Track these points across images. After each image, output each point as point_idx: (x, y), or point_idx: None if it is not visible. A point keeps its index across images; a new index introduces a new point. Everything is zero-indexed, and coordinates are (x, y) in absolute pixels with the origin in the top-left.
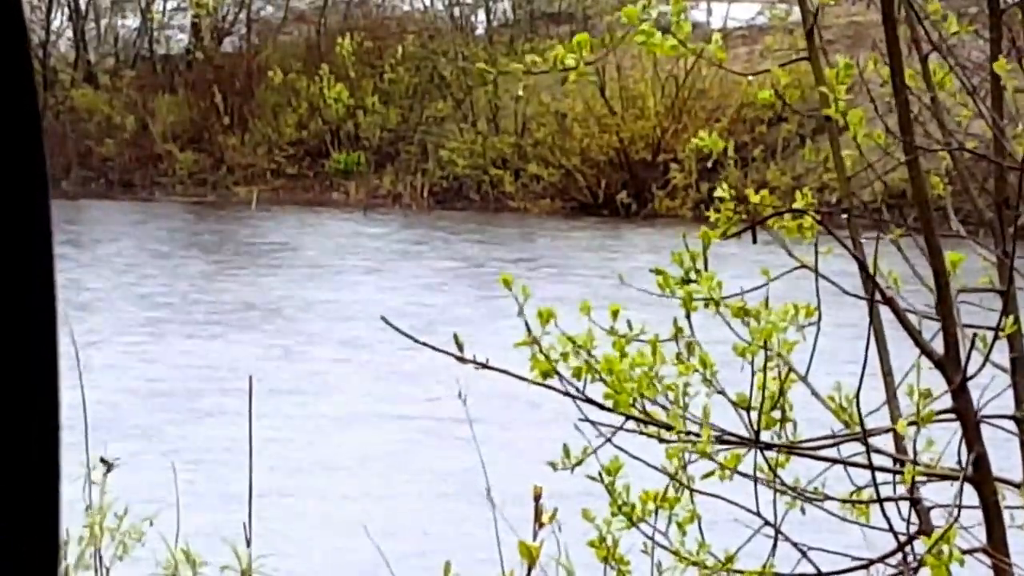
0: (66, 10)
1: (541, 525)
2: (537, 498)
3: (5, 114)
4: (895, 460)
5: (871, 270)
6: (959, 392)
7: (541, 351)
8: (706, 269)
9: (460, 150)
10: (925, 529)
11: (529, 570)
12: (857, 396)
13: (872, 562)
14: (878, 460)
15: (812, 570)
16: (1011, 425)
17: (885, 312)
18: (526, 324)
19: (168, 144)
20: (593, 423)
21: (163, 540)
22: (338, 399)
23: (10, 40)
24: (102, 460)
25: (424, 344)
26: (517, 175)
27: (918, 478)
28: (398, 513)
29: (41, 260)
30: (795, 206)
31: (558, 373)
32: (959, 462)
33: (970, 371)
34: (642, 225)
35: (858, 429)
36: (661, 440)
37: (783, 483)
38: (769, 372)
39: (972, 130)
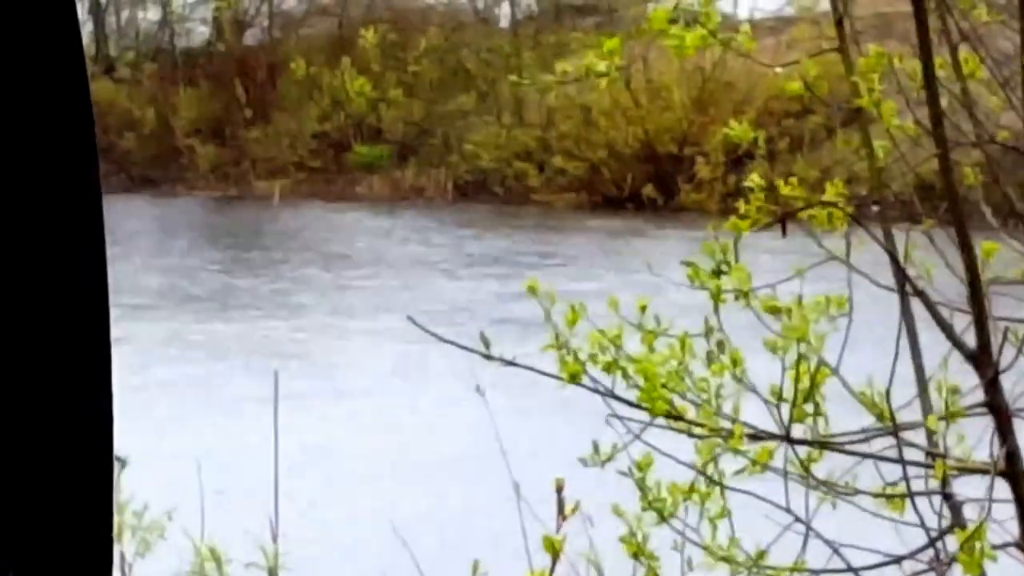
0: (87, 2)
1: (564, 518)
2: (559, 490)
3: (61, 113)
4: (927, 454)
5: (902, 262)
6: (991, 386)
7: (570, 353)
8: (736, 261)
9: (484, 143)
10: (957, 524)
11: (553, 564)
12: (888, 390)
13: (903, 558)
14: (910, 454)
15: (843, 566)
16: None
17: (917, 305)
18: (554, 328)
19: (189, 138)
20: (622, 419)
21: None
22: None
23: (66, 50)
24: (116, 458)
25: (448, 342)
26: (541, 168)
27: (950, 472)
28: None
29: (92, 261)
30: (825, 198)
31: (587, 373)
32: (991, 456)
33: (1002, 364)
34: (668, 219)
35: (889, 424)
36: (691, 435)
37: (814, 478)
38: (800, 366)
39: (1003, 121)
